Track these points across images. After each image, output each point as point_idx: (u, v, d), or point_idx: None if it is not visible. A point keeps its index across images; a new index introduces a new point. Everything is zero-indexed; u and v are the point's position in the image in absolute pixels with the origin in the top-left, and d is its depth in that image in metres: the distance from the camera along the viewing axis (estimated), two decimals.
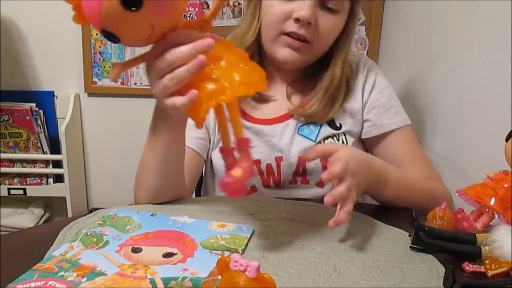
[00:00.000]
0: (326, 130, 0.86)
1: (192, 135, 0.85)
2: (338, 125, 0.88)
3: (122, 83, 1.61)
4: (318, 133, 0.86)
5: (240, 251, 0.56)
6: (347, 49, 0.86)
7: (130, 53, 1.57)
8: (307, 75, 0.88)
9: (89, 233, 0.60)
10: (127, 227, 0.62)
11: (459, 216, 0.69)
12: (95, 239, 0.58)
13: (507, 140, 0.68)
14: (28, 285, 0.47)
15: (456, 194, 0.71)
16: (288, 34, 0.79)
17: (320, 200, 0.84)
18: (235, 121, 0.54)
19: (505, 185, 0.66)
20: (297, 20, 0.77)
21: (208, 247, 0.57)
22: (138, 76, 1.60)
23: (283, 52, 0.81)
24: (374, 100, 0.88)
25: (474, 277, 0.55)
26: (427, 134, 1.13)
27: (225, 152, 0.57)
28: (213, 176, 0.92)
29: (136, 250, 0.55)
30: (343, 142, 0.87)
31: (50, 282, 0.47)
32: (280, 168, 0.86)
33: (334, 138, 0.87)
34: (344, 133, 0.87)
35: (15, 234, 0.69)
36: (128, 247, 0.56)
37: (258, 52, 0.86)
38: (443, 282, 0.51)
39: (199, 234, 0.60)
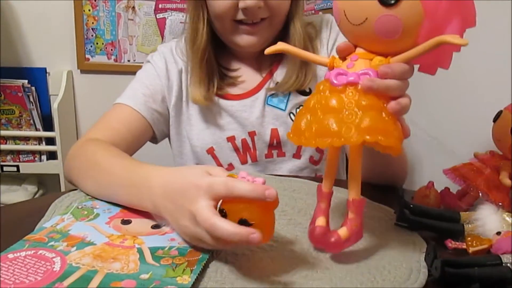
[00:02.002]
0: (296, 97, 0.86)
1: (149, 105, 0.84)
2: (307, 90, 0.87)
3: (115, 60, 1.60)
4: (287, 101, 0.86)
5: None
6: (301, 8, 0.83)
7: (123, 29, 1.56)
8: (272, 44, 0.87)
9: (80, 207, 0.60)
10: None
11: (445, 194, 0.71)
12: (85, 212, 0.59)
13: (494, 121, 0.69)
14: (18, 254, 0.47)
15: (443, 173, 0.72)
16: (241, 21, 0.78)
17: (298, 172, 0.86)
18: (355, 176, 0.50)
19: (491, 166, 0.67)
20: (245, 9, 0.75)
21: None
22: (132, 53, 1.59)
23: (243, 40, 0.80)
24: None
25: (456, 253, 0.57)
26: (416, 113, 1.14)
27: (321, 195, 0.52)
28: (182, 155, 0.92)
29: (125, 222, 0.56)
30: None
31: (41, 251, 0.48)
32: (254, 142, 0.86)
33: None
34: None
35: (6, 207, 0.70)
36: (118, 219, 0.57)
37: (215, 42, 0.85)
38: (425, 257, 0.53)
39: None
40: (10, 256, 0.47)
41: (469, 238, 0.58)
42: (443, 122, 1.04)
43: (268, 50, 0.53)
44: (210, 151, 0.88)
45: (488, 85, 0.87)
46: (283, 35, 0.84)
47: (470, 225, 0.60)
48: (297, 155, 0.87)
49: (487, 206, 0.61)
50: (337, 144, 0.45)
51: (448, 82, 0.99)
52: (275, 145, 0.86)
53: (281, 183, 0.73)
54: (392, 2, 0.43)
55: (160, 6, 1.54)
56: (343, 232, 0.50)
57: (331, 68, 0.50)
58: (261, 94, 0.86)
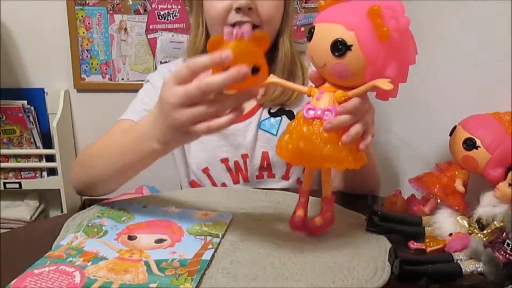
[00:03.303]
0: (287, 122, 0.91)
1: None
2: None
3: (110, 79, 1.67)
4: (278, 126, 0.93)
5: (220, 236, 0.66)
6: (290, 25, 0.91)
7: (117, 49, 1.64)
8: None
9: (90, 224, 0.69)
10: (123, 218, 0.71)
11: (410, 201, 0.80)
12: (95, 229, 0.67)
13: (450, 134, 0.78)
14: (43, 269, 0.56)
15: (408, 182, 0.82)
16: (234, 25, 0.84)
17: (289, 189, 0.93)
18: (327, 182, 0.66)
19: (448, 174, 0.77)
20: (238, 9, 0.83)
21: (193, 233, 0.66)
22: (125, 72, 1.67)
23: None
24: None
25: (417, 253, 0.66)
26: (393, 121, 1.20)
27: (302, 193, 0.68)
28: (185, 166, 0.99)
29: (131, 238, 0.64)
30: None
31: (62, 267, 0.56)
32: (246, 164, 0.93)
33: None
34: None
35: (24, 227, 0.78)
36: (125, 235, 0.65)
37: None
38: (388, 258, 0.62)
39: (185, 222, 0.69)
40: (36, 271, 0.55)
41: (427, 239, 0.67)
42: (419, 130, 1.11)
43: None
44: (205, 171, 0.95)
45: (461, 94, 0.93)
46: (273, 50, 0.91)
47: (429, 228, 0.69)
48: (285, 177, 0.94)
49: (444, 210, 0.71)
50: (304, 165, 0.62)
51: (423, 91, 1.05)
52: (266, 167, 0.93)
53: (267, 196, 0.82)
54: (337, 54, 0.56)
55: (150, 26, 1.62)
56: (318, 219, 0.66)
57: (309, 95, 0.63)
58: (255, 118, 0.93)
